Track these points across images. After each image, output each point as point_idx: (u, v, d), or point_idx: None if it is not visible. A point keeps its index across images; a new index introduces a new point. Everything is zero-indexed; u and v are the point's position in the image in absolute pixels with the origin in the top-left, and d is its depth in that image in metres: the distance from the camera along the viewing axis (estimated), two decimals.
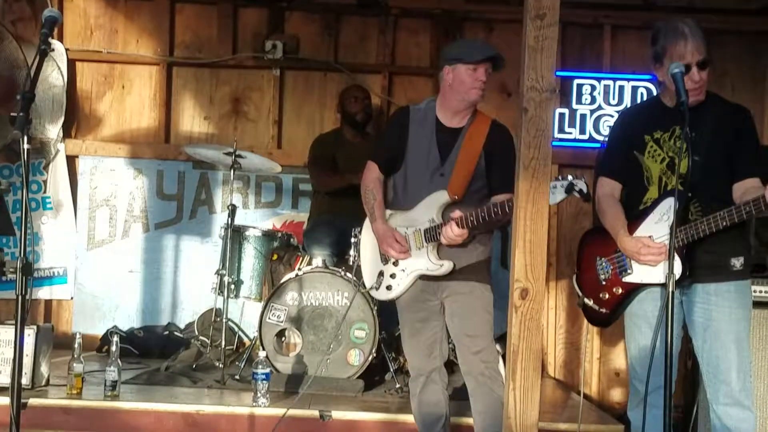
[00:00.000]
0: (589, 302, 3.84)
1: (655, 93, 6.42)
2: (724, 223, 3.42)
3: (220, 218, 6.44)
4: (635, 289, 3.69)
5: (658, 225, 3.57)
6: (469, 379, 3.98)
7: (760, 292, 5.02)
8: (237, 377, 5.10)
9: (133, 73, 6.83)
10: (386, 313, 5.51)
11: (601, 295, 3.79)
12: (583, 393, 4.70)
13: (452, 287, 3.96)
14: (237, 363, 5.36)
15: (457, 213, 3.81)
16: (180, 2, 6.82)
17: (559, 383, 6.31)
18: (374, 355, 5.15)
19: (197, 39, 6.82)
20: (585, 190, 3.64)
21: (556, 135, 6.55)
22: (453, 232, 3.80)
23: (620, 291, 3.73)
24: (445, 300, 4.00)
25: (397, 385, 5.04)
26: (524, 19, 3.23)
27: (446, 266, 3.91)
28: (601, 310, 3.81)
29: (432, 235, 3.92)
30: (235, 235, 5.53)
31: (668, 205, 3.52)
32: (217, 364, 5.30)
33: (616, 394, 6.41)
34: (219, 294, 5.50)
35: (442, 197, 3.91)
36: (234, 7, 6.78)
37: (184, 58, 6.79)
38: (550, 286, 6.57)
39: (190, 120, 6.83)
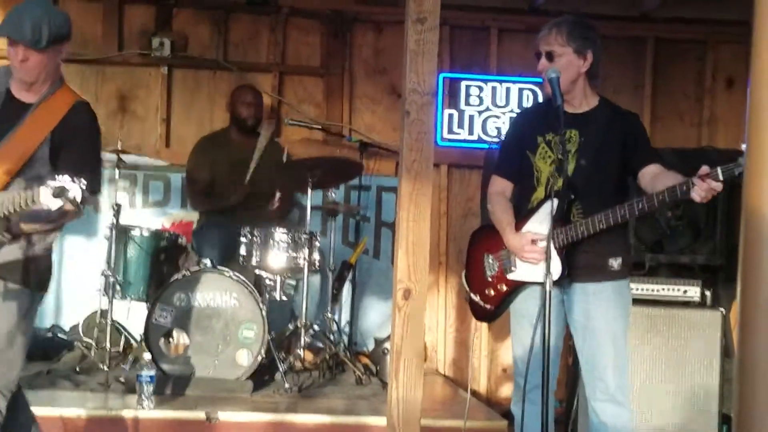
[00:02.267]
0: (476, 298, 3.92)
1: (541, 95, 6.60)
2: (601, 226, 3.52)
3: (106, 217, 6.29)
4: (519, 286, 3.77)
5: (541, 225, 3.65)
6: None
7: (639, 290, 5.20)
8: (122, 379, 5.00)
9: None
10: (275, 313, 5.52)
11: (486, 291, 3.87)
12: (471, 390, 4.78)
13: None
14: (122, 365, 5.27)
15: None
16: None
17: (447, 380, 6.39)
18: (263, 355, 5.12)
19: (81, 35, 6.61)
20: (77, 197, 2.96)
21: (446, 136, 6.64)
22: None
23: (504, 288, 3.81)
24: None
25: (287, 385, 5.03)
26: (405, 23, 3.27)
27: None
28: (486, 306, 3.89)
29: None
30: (121, 234, 5.43)
31: (552, 206, 3.61)
32: (102, 366, 5.20)
33: (504, 390, 6.53)
34: (104, 295, 5.39)
35: None
36: (120, 3, 6.63)
37: (68, 54, 6.57)
38: (440, 284, 6.66)
39: None
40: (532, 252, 3.65)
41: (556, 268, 3.49)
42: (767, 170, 1.49)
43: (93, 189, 3.26)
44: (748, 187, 1.52)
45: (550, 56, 3.65)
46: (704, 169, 3.30)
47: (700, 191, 3.28)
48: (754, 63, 1.53)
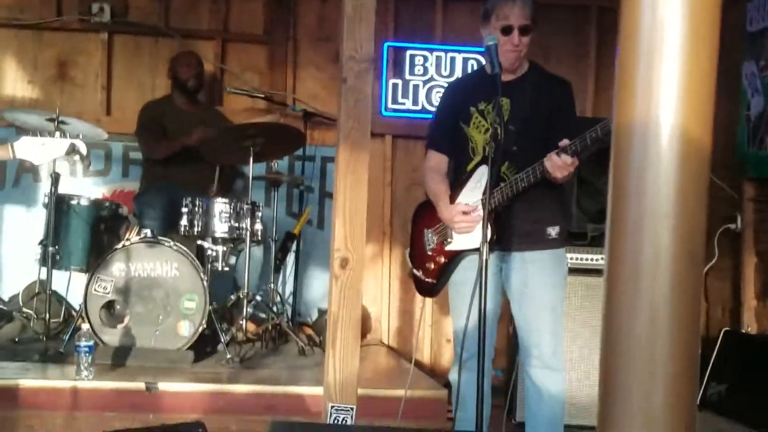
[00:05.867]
0: (418, 273, 3.94)
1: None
2: (523, 185, 3.52)
3: (46, 186, 6.17)
4: (456, 257, 3.79)
5: (473, 192, 3.67)
6: None
7: (581, 259, 5.24)
8: (61, 350, 4.94)
9: None
10: (217, 284, 5.49)
11: (427, 266, 3.89)
12: (415, 360, 4.80)
13: None
14: (62, 336, 5.20)
15: None
16: None
17: (391, 351, 6.40)
18: (205, 326, 5.09)
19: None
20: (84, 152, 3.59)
21: (390, 105, 6.61)
22: None
23: (443, 260, 3.82)
24: None
25: (228, 356, 5.01)
26: None
27: None
28: (427, 280, 3.91)
29: None
30: (61, 204, 5.35)
31: (482, 173, 3.62)
32: (42, 337, 5.14)
33: (447, 360, 6.57)
34: (43, 265, 5.32)
35: None
36: None
37: (5, 19, 6.47)
38: (384, 255, 6.65)
39: (13, 84, 6.52)
40: (462, 221, 3.66)
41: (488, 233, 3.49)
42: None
43: None
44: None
45: (526, 30, 3.60)
46: (564, 142, 3.37)
47: (550, 165, 3.38)
48: None
